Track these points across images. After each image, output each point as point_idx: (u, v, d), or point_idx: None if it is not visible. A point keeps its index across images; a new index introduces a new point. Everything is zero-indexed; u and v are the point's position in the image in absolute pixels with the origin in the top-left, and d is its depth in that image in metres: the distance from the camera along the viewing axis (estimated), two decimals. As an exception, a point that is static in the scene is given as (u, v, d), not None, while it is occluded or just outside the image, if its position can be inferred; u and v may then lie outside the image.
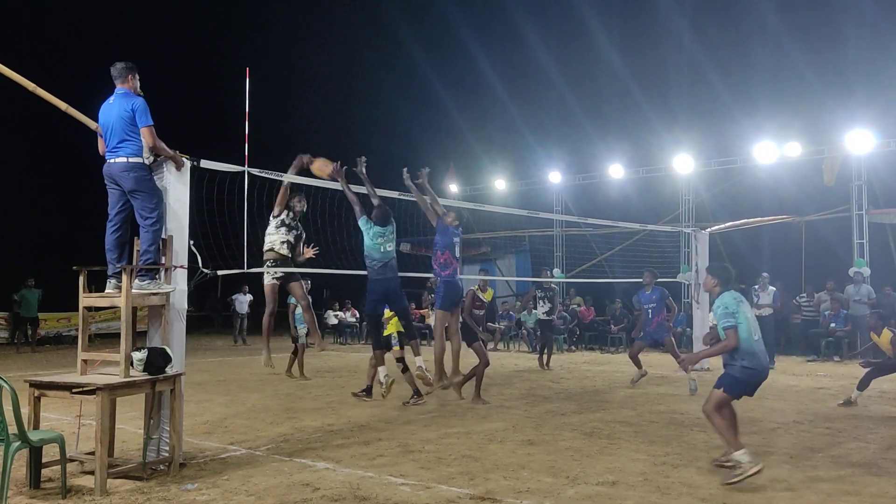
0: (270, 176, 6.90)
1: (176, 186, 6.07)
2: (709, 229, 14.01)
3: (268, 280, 7.56)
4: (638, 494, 5.11)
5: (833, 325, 15.27)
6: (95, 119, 6.01)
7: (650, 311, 11.05)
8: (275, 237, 7.55)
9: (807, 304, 16.44)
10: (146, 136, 5.82)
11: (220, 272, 6.40)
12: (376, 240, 7.89)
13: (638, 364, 11.06)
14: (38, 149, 28.42)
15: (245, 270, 6.68)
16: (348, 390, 10.50)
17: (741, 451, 5.37)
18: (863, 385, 8.92)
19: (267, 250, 7.53)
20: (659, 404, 9.18)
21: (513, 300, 21.29)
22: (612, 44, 26.94)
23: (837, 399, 9.65)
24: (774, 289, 14.18)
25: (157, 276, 5.96)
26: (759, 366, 5.67)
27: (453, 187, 24.13)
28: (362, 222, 7.88)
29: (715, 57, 24.53)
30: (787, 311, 16.43)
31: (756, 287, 14.22)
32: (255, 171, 6.74)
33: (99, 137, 6.04)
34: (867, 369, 8.98)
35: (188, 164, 6.12)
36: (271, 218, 7.62)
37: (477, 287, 10.42)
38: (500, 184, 23.26)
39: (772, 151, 17.68)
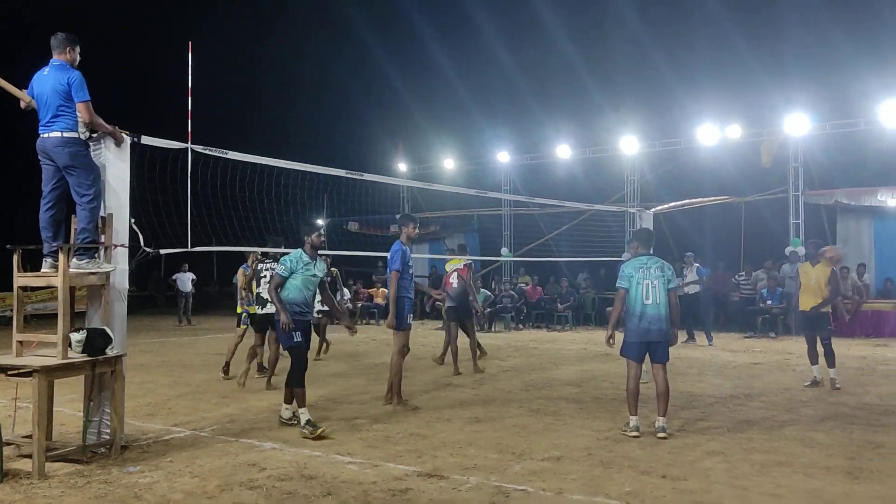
0: (214, 153, 6.74)
1: (115, 163, 5.89)
2: (653, 209, 14.27)
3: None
4: (582, 468, 5.23)
5: (769, 302, 15.83)
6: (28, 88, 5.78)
7: None
8: None
9: (745, 282, 16.99)
10: (82, 112, 5.63)
11: (162, 251, 6.25)
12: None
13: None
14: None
15: (189, 249, 6.53)
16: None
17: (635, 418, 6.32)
18: (813, 358, 9.01)
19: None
20: (603, 381, 9.38)
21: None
22: (560, 26, 27.09)
23: (772, 374, 10.02)
24: (698, 265, 14.68)
25: (96, 256, 5.79)
26: (636, 327, 6.42)
27: (402, 166, 24.01)
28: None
29: (659, 41, 24.95)
30: (726, 289, 16.94)
31: (683, 266, 14.68)
32: (198, 149, 6.57)
33: (31, 110, 5.80)
34: (807, 341, 9.09)
35: (128, 140, 5.93)
36: None
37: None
38: (448, 163, 23.24)
39: (713, 133, 18.12)
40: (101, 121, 5.72)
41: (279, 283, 6.64)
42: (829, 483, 4.83)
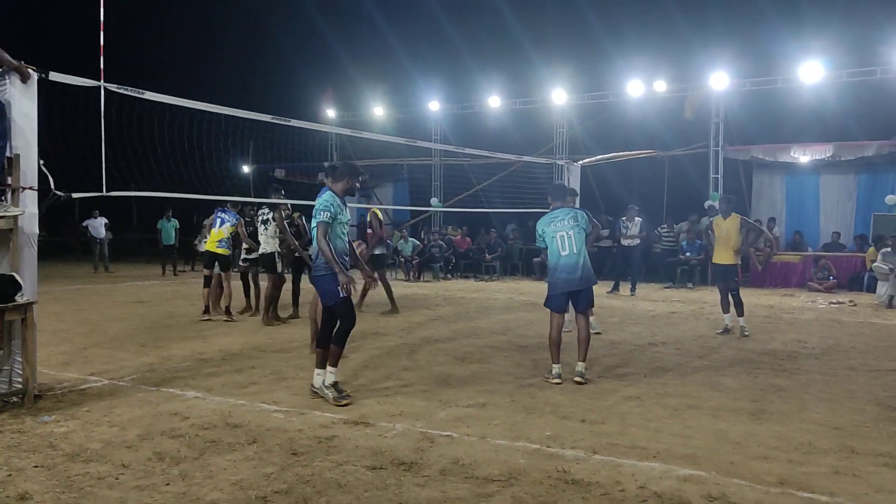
0: (130, 93, 6.41)
1: (21, 101, 5.53)
2: (580, 162, 14.48)
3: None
4: (505, 414, 5.37)
5: (688, 254, 16.43)
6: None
7: None
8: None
9: (667, 234, 17.56)
10: None
11: (75, 195, 5.96)
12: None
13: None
14: None
15: (104, 194, 6.25)
16: (220, 318, 10.33)
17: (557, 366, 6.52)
18: (725, 307, 9.39)
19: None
20: (528, 330, 9.59)
21: (390, 229, 21.33)
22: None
23: (688, 322, 10.46)
24: (641, 220, 15.02)
25: (2, 199, 5.49)
26: (557, 280, 6.58)
27: (330, 113, 23.52)
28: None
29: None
30: (649, 241, 17.50)
31: (624, 218, 14.99)
32: (112, 87, 6.24)
33: None
34: (720, 292, 9.50)
35: (35, 76, 5.58)
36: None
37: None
38: (378, 111, 22.89)
39: (640, 88, 18.44)
40: (5, 55, 5.36)
41: (327, 232, 5.65)
42: (734, 424, 5.11)
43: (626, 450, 4.52)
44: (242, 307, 11.25)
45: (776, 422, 5.18)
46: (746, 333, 9.06)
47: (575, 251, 6.53)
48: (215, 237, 10.52)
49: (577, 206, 8.77)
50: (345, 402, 5.58)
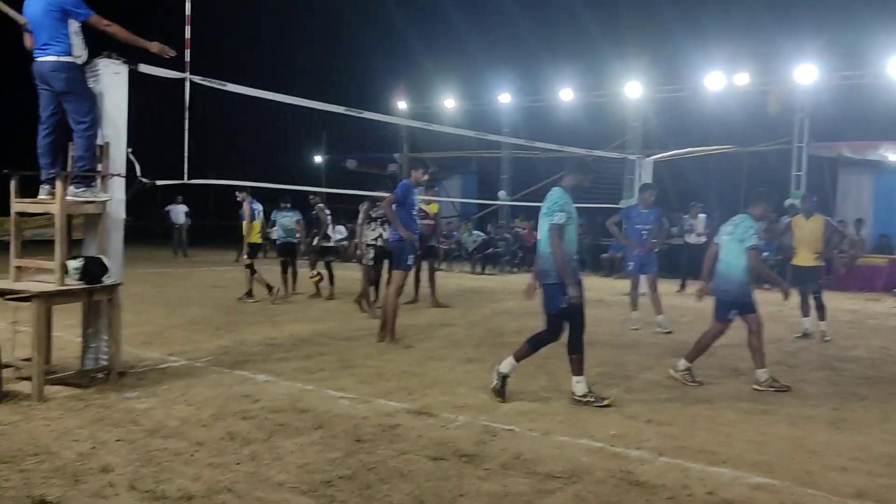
0: (213, 85, 6.63)
1: (112, 91, 5.80)
2: (653, 157, 14.16)
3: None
4: (569, 411, 5.33)
5: (766, 253, 15.87)
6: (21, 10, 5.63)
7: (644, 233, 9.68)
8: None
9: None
10: (102, 26, 5.52)
11: (159, 182, 6.21)
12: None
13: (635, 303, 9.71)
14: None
15: (185, 181, 6.50)
16: (291, 305, 10.60)
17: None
18: (805, 311, 9.06)
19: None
20: (596, 327, 9.41)
21: (457, 221, 21.38)
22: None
23: (764, 324, 10.09)
24: (705, 216, 14.55)
25: (93, 184, 5.76)
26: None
27: (402, 105, 23.70)
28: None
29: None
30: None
31: (687, 216, 14.54)
32: (197, 79, 6.47)
33: (25, 32, 5.66)
34: (800, 295, 9.11)
35: (125, 67, 5.82)
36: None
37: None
38: (449, 103, 22.91)
39: (720, 81, 17.83)
40: (133, 35, 5.60)
41: (562, 235, 5.43)
42: (811, 432, 4.93)
43: (694, 453, 4.42)
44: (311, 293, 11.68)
45: (857, 431, 4.97)
46: (828, 339, 8.71)
47: (723, 259, 6.38)
48: (257, 229, 11.25)
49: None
50: (606, 401, 5.47)
